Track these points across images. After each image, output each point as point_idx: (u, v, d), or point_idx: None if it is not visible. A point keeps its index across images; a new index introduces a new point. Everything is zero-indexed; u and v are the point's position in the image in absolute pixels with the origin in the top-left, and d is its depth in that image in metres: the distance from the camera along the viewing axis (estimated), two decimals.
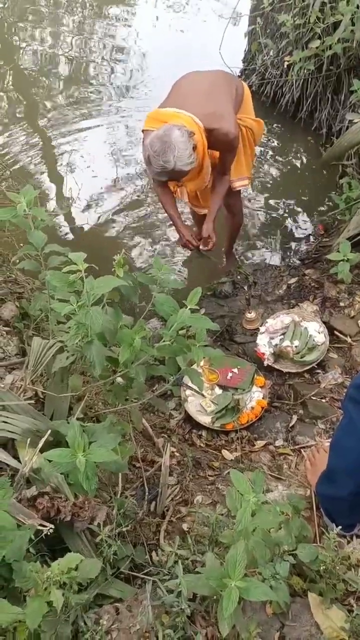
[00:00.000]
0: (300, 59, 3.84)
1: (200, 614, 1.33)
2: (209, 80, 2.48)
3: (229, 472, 2.02)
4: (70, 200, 3.82)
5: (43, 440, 1.43)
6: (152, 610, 1.31)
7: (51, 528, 1.28)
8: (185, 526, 1.75)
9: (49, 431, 1.46)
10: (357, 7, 3.43)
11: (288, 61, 3.95)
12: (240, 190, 2.91)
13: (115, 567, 1.43)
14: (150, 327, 2.74)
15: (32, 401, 1.70)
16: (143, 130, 2.42)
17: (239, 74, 4.53)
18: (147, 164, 2.29)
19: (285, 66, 4.05)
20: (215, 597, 1.25)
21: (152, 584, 1.37)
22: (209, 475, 2.12)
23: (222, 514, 1.50)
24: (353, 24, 3.48)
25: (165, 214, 2.91)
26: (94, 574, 1.27)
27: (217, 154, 2.51)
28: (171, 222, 2.78)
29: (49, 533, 1.27)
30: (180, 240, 2.73)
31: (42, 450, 1.40)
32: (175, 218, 2.67)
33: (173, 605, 1.27)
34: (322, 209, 3.73)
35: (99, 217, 3.69)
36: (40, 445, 1.43)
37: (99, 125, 4.44)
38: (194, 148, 2.25)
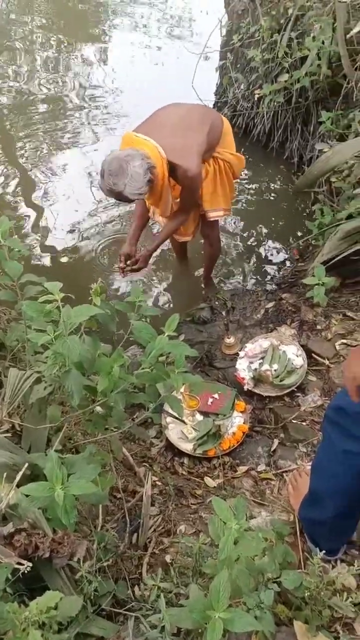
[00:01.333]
0: (270, 92, 3.98)
1: None
2: (184, 115, 2.53)
3: (211, 500, 2.00)
4: (47, 230, 3.83)
5: (20, 474, 1.40)
6: None
7: (29, 566, 1.24)
8: (168, 557, 1.72)
9: (26, 465, 1.43)
10: (322, 42, 3.58)
11: (258, 94, 4.09)
12: (217, 221, 2.96)
13: (96, 604, 1.38)
14: (129, 354, 2.73)
15: (9, 434, 1.66)
16: None
17: (212, 107, 4.65)
18: (100, 177, 2.34)
19: (256, 99, 4.18)
20: (200, 630, 1.22)
21: (134, 620, 1.33)
22: (191, 504, 2.09)
23: (205, 543, 1.48)
24: (319, 59, 3.63)
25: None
26: (74, 612, 1.23)
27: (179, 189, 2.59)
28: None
29: (26, 571, 1.23)
30: (121, 252, 2.80)
31: (19, 485, 1.37)
32: (132, 229, 2.81)
33: None
34: (296, 234, 3.81)
35: (75, 246, 3.71)
36: (17, 479, 1.39)
37: (74, 157, 4.51)
38: (150, 181, 2.32)
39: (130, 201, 2.46)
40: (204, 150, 2.53)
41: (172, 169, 2.45)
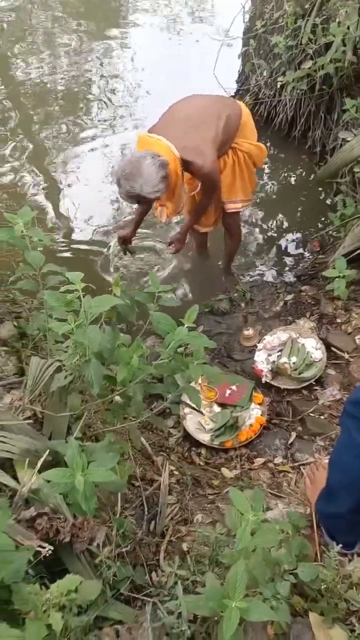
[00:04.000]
0: (293, 79, 3.91)
1: (201, 636, 1.31)
2: (199, 109, 2.52)
3: (228, 491, 2.02)
4: (68, 220, 3.85)
5: (42, 460, 1.43)
6: (153, 632, 1.29)
7: (50, 549, 1.27)
8: (185, 546, 1.74)
9: (48, 451, 1.46)
10: (348, 28, 3.50)
11: (281, 81, 4.02)
12: (238, 212, 2.95)
13: (114, 588, 1.41)
14: (147, 345, 2.75)
15: (31, 421, 1.69)
16: None
17: (233, 95, 4.60)
18: (115, 182, 2.36)
19: (279, 86, 4.12)
20: (216, 618, 1.24)
21: (152, 606, 1.35)
22: (208, 494, 2.11)
23: (222, 533, 1.49)
24: (344, 45, 3.55)
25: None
26: (93, 596, 1.26)
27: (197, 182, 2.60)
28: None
29: (47, 554, 1.26)
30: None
31: (40, 471, 1.40)
32: (135, 215, 2.91)
33: (173, 627, 1.25)
34: (317, 226, 3.77)
35: (95, 236, 3.72)
36: (38, 465, 1.42)
37: (95, 147, 4.50)
38: (164, 177, 2.32)
39: (150, 202, 2.46)
40: (219, 143, 2.52)
41: (187, 165, 2.45)
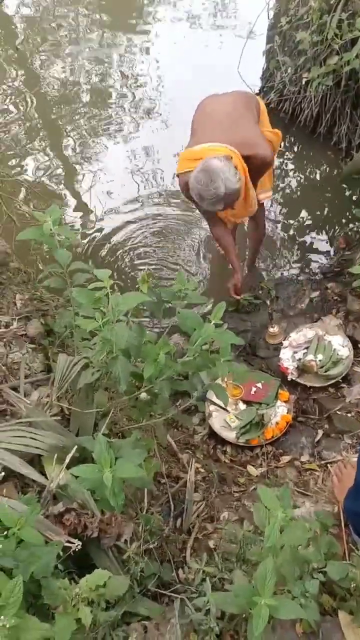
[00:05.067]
0: (318, 75, 3.86)
1: (229, 633, 1.31)
2: (230, 106, 2.49)
3: (254, 488, 2.01)
4: (94, 218, 3.88)
5: (69, 456, 1.44)
6: (180, 628, 1.29)
7: (79, 545, 1.28)
8: (211, 543, 1.74)
9: (75, 447, 1.47)
10: None
11: (306, 78, 3.97)
12: (263, 203, 2.93)
13: (142, 584, 1.42)
14: (172, 342, 2.75)
15: (58, 417, 1.71)
16: (178, 175, 2.44)
17: (258, 92, 4.57)
18: (199, 200, 2.31)
19: (304, 82, 4.07)
20: (244, 615, 1.23)
21: (179, 602, 1.36)
22: (234, 492, 2.10)
23: (249, 531, 1.49)
24: None
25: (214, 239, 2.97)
26: (121, 592, 1.26)
27: None
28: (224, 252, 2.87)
29: (76, 550, 1.27)
30: (233, 283, 2.86)
31: (68, 467, 1.41)
32: (237, 264, 2.82)
33: (201, 623, 1.26)
34: (342, 222, 3.72)
35: (121, 234, 3.74)
36: (66, 461, 1.44)
37: (118, 142, 4.52)
38: (236, 168, 2.29)
39: (236, 196, 2.37)
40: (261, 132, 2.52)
41: (248, 160, 2.42)
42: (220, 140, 2.35)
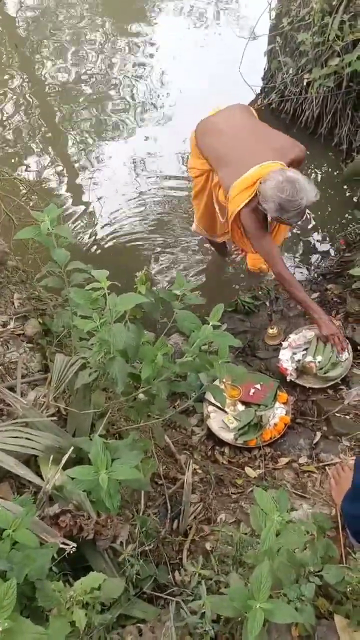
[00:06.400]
0: (319, 76, 3.86)
1: (224, 636, 1.30)
2: (243, 121, 2.50)
3: (252, 490, 2.00)
4: (93, 217, 3.88)
5: (66, 457, 1.44)
6: (176, 631, 1.28)
7: (74, 547, 1.27)
8: (208, 545, 1.73)
9: (72, 448, 1.46)
10: None
11: (307, 79, 3.97)
12: None
13: (137, 587, 1.41)
14: (171, 343, 2.74)
15: (55, 418, 1.70)
16: (240, 211, 2.39)
17: (259, 92, 4.57)
18: (279, 211, 2.23)
19: (305, 84, 4.07)
20: (239, 618, 1.22)
21: (175, 605, 1.35)
22: (232, 493, 2.10)
23: (245, 533, 1.48)
24: None
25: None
26: (116, 594, 1.26)
27: None
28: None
29: (71, 552, 1.26)
30: (329, 331, 2.52)
31: (64, 468, 1.40)
32: (314, 306, 2.54)
33: (197, 626, 1.25)
34: (343, 223, 3.71)
35: (120, 233, 3.73)
36: (63, 462, 1.43)
37: (120, 143, 4.52)
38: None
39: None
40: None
41: (292, 164, 2.43)
42: (267, 158, 2.32)
